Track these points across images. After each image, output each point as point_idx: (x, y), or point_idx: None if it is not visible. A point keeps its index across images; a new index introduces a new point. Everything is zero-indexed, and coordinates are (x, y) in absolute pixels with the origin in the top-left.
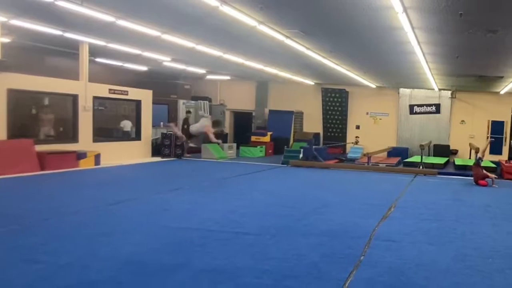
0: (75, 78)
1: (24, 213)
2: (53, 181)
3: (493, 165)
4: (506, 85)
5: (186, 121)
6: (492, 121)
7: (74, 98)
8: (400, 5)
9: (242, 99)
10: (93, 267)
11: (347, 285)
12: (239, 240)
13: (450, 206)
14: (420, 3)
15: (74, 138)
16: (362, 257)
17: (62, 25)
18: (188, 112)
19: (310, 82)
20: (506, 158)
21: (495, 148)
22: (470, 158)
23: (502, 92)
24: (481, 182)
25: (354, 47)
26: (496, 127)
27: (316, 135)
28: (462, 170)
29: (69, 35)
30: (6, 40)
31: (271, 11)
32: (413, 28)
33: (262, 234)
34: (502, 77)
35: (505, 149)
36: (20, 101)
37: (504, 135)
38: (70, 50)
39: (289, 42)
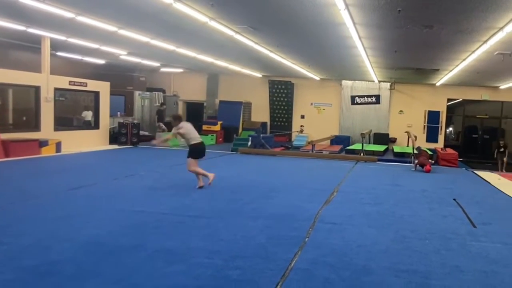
0: (38, 71)
1: None
2: (17, 167)
3: (430, 153)
4: (442, 77)
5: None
6: (428, 111)
7: (37, 89)
8: (343, 2)
9: (194, 90)
10: (54, 248)
11: (292, 265)
12: (192, 223)
13: (390, 191)
14: (361, 0)
15: (36, 127)
16: (306, 239)
17: (25, 21)
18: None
19: (258, 74)
20: (442, 146)
21: (432, 136)
22: (408, 145)
23: (438, 84)
24: (427, 168)
25: (299, 42)
26: (432, 117)
27: (264, 124)
28: (401, 157)
29: (32, 30)
30: None
31: (222, 8)
32: (354, 24)
33: (213, 217)
34: (437, 69)
35: (441, 138)
36: None
37: (439, 124)
38: (33, 44)
39: (238, 37)
